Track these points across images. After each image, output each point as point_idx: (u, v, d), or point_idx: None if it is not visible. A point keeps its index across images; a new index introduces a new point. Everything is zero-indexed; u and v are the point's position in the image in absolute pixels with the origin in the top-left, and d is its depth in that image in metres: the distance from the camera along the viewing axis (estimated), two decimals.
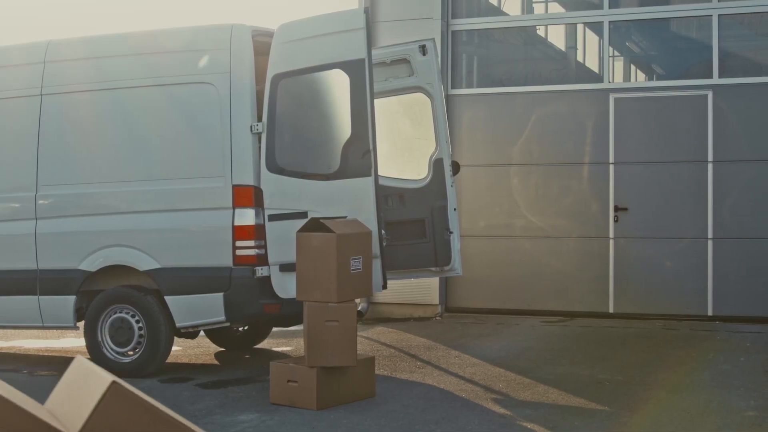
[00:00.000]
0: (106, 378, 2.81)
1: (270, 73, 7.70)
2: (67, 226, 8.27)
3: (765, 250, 10.61)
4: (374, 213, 7.35)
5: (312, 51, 7.65)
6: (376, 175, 7.38)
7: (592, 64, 11.87)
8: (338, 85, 7.59)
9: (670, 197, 10.89)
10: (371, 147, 7.35)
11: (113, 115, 8.30)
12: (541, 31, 12.42)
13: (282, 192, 7.66)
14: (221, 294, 7.73)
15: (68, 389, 2.90)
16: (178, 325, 7.95)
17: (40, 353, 9.56)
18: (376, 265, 7.32)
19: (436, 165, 8.81)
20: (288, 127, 7.77)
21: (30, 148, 8.45)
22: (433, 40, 8.92)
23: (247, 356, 9.21)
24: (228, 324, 7.97)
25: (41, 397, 7.66)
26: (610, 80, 11.42)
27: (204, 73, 7.95)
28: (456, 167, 8.88)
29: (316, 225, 6.92)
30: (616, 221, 11.10)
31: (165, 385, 7.69)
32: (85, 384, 2.95)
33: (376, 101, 7.67)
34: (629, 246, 11.01)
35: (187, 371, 8.32)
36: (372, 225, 7.27)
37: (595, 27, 11.62)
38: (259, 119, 7.75)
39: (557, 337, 9.92)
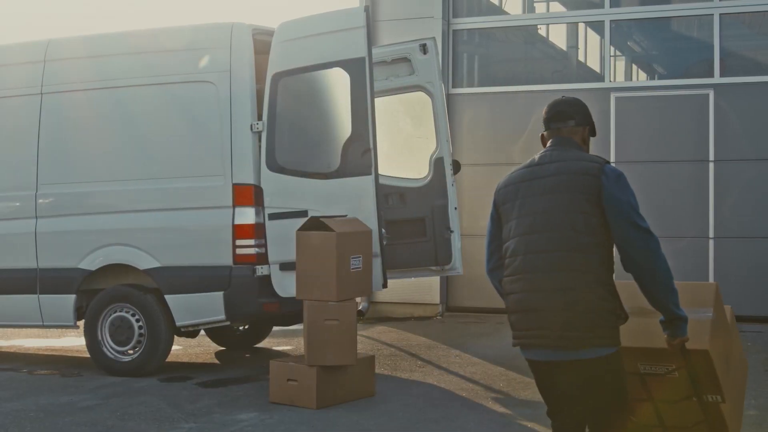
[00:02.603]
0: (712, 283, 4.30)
1: (270, 72, 7.68)
2: (67, 225, 8.26)
3: (766, 250, 10.59)
4: (374, 212, 7.33)
5: (312, 49, 7.64)
6: (377, 174, 7.37)
7: (594, 63, 11.85)
8: (338, 83, 7.57)
9: (671, 196, 10.87)
10: (371, 146, 7.34)
11: (113, 113, 8.29)
12: (542, 31, 12.41)
13: (282, 191, 7.64)
14: (221, 293, 7.71)
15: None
16: (178, 324, 7.94)
17: (40, 352, 9.56)
18: (377, 263, 7.30)
19: (437, 164, 8.79)
20: (288, 125, 7.75)
21: (30, 147, 8.43)
22: (434, 38, 8.90)
23: (247, 355, 9.21)
24: (228, 323, 7.96)
25: (40, 395, 7.65)
26: (611, 79, 11.40)
27: (204, 71, 7.93)
28: (456, 166, 8.86)
29: (316, 224, 6.91)
30: None
31: (165, 384, 7.68)
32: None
33: (376, 100, 7.66)
34: None
35: (186, 370, 8.32)
36: (372, 224, 7.26)
37: (596, 26, 11.60)
38: (260, 118, 7.74)
39: None
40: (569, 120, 3.98)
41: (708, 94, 10.80)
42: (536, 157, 3.96)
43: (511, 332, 3.96)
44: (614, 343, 3.73)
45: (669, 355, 4.01)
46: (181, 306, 7.87)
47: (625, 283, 3.92)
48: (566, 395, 3.85)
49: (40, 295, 8.31)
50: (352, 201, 7.42)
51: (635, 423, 4.22)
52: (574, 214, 3.72)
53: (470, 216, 11.51)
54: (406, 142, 9.15)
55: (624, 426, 3.90)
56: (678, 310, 3.78)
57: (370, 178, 7.35)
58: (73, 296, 8.19)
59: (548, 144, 4.00)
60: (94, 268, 8.12)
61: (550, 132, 4.01)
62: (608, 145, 11.13)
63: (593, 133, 4.07)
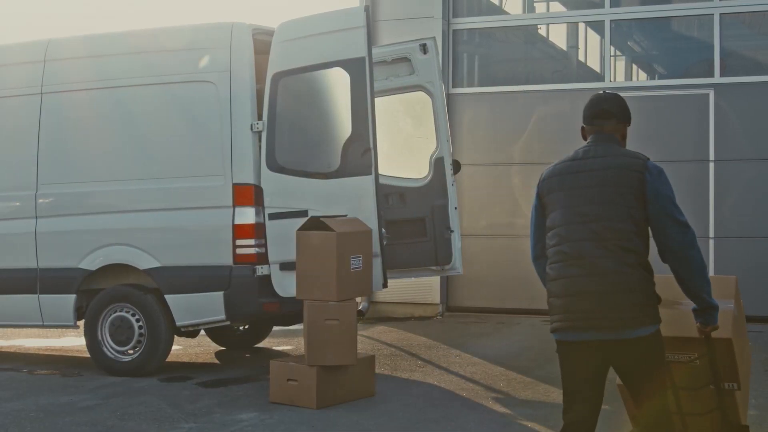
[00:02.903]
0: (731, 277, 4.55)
1: (270, 72, 7.68)
2: (67, 225, 8.26)
3: (766, 250, 10.59)
4: (374, 211, 7.33)
5: (312, 49, 7.63)
6: (377, 174, 7.37)
7: (594, 63, 11.85)
8: (339, 83, 7.57)
9: None
10: (371, 145, 7.34)
11: (113, 113, 8.29)
12: (542, 30, 12.41)
13: (282, 190, 7.64)
14: (221, 293, 7.71)
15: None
16: (178, 323, 7.94)
17: (41, 352, 9.56)
18: (377, 263, 7.30)
19: (437, 164, 8.79)
20: (288, 125, 7.75)
21: (30, 147, 8.43)
22: (434, 38, 8.90)
23: (247, 355, 9.21)
24: (228, 323, 7.96)
25: (40, 395, 7.64)
26: (611, 79, 11.40)
27: (204, 71, 7.93)
28: (456, 166, 8.86)
29: (316, 223, 6.91)
30: None
31: (165, 384, 7.68)
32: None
33: (376, 100, 7.65)
34: None
35: (187, 370, 8.31)
36: (372, 223, 7.26)
37: (597, 26, 11.60)
38: (260, 118, 7.73)
39: None
40: (612, 117, 4.22)
41: (708, 94, 10.80)
42: (579, 150, 4.19)
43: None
44: (659, 320, 4.03)
45: (693, 344, 4.29)
46: (181, 306, 7.87)
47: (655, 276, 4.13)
48: (596, 377, 4.07)
49: (40, 295, 8.31)
50: (352, 201, 7.42)
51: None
52: (620, 206, 4.00)
53: (470, 216, 11.52)
54: (406, 142, 9.15)
55: (666, 392, 4.17)
56: (711, 299, 4.08)
57: (370, 178, 7.35)
58: (73, 296, 8.18)
59: (589, 139, 4.24)
60: (94, 268, 8.12)
61: (591, 127, 4.24)
62: None
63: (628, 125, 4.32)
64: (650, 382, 4.05)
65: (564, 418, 4.14)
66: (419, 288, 11.21)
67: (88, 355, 8.30)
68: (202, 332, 9.23)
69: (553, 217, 4.14)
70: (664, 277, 4.17)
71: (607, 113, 4.23)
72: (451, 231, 8.73)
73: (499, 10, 12.37)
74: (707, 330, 4.15)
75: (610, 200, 4.02)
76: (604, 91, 4.35)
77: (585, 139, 4.29)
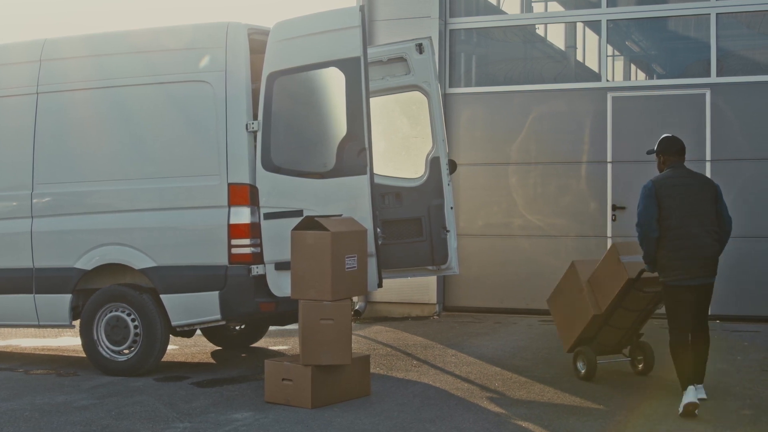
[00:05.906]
0: None
1: (266, 71, 7.68)
2: (63, 225, 8.26)
3: (763, 249, 10.59)
4: (370, 211, 7.33)
5: (308, 49, 7.63)
6: (372, 174, 7.36)
7: (592, 62, 11.85)
8: (334, 83, 7.57)
9: None
10: (367, 145, 7.33)
11: (109, 113, 8.28)
12: (540, 30, 12.41)
13: (277, 190, 7.64)
14: (217, 292, 7.71)
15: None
16: (173, 323, 7.93)
17: (37, 352, 9.56)
18: (372, 263, 7.30)
19: (433, 163, 8.79)
20: (284, 125, 7.75)
21: (26, 147, 8.43)
22: (430, 38, 8.90)
23: (243, 355, 9.20)
24: (224, 322, 7.96)
25: (36, 394, 7.62)
26: (608, 79, 11.40)
27: (200, 71, 7.92)
28: (453, 166, 8.86)
29: (311, 223, 6.91)
30: (614, 220, 11.08)
31: (160, 384, 7.68)
32: None
33: (372, 100, 7.64)
34: None
35: (182, 370, 8.31)
36: (367, 223, 7.25)
37: (594, 26, 11.60)
38: (255, 117, 7.73)
39: (554, 336, 9.88)
40: (684, 152, 6.79)
41: (705, 94, 10.81)
42: (675, 172, 6.68)
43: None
44: None
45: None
46: (177, 306, 7.86)
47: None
48: (693, 304, 6.60)
49: (36, 295, 8.31)
50: (347, 200, 7.42)
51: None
52: (708, 205, 6.63)
53: (467, 216, 11.52)
54: (402, 142, 9.16)
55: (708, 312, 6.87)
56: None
57: (366, 178, 7.34)
58: (69, 296, 8.18)
59: (673, 164, 6.73)
60: (90, 268, 8.12)
61: (672, 158, 6.75)
62: (605, 145, 11.13)
63: None
64: (706, 308, 6.73)
65: (677, 325, 6.54)
66: (416, 288, 11.21)
67: (84, 355, 8.30)
68: (198, 332, 9.23)
69: (669, 213, 6.53)
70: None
71: (683, 150, 6.77)
72: (448, 231, 8.73)
73: (496, 10, 12.37)
74: None
75: (703, 202, 6.60)
76: (671, 135, 6.78)
77: (662, 163, 6.76)
